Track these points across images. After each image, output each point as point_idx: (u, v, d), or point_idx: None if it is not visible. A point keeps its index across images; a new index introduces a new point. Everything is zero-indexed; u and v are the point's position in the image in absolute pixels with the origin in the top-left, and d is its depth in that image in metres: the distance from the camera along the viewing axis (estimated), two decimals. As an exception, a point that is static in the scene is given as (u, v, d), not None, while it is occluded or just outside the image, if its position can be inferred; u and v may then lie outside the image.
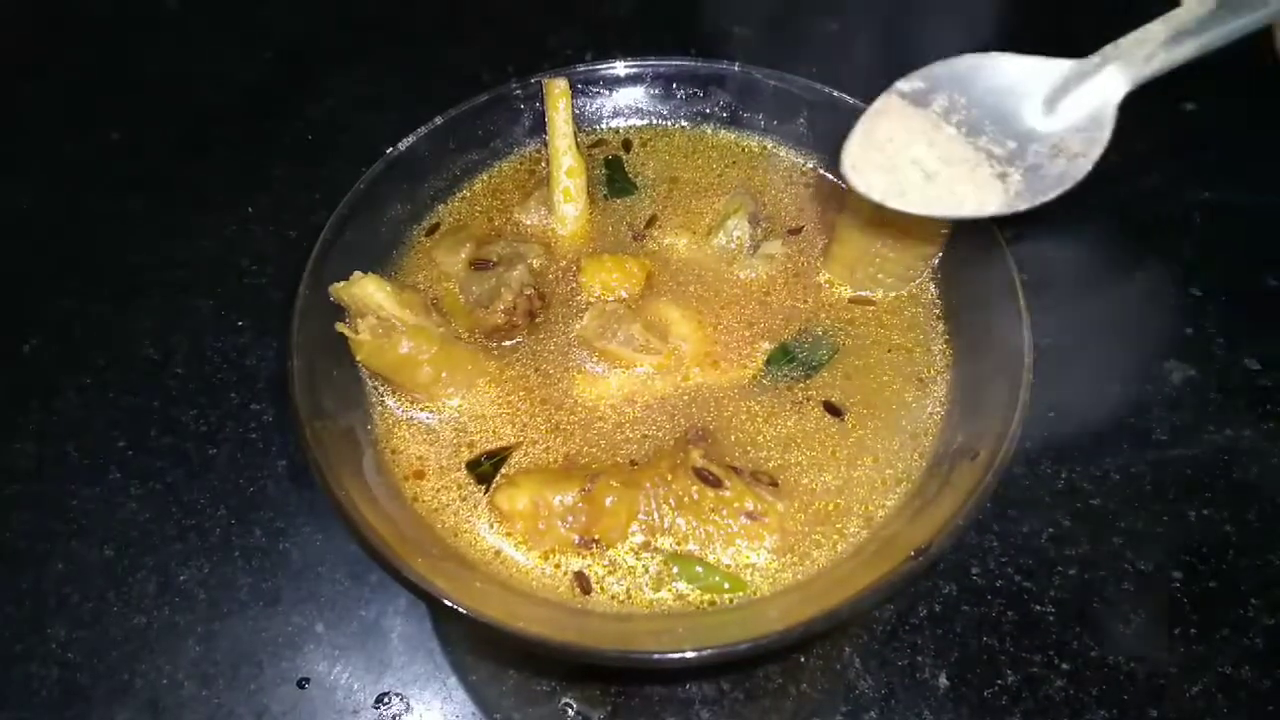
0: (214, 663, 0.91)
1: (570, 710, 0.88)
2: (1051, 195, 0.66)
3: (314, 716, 0.89)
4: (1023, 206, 0.67)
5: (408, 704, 0.89)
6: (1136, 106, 0.98)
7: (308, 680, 0.90)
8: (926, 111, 0.68)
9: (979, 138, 0.67)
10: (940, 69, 0.68)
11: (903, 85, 0.70)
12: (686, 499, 0.77)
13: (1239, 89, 1.24)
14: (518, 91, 0.99)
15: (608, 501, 0.76)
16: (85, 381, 1.10)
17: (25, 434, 1.06)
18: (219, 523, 0.99)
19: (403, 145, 0.94)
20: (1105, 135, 0.64)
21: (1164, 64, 0.61)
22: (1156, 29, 0.60)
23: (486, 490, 0.81)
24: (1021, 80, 0.65)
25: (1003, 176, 0.67)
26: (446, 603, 0.68)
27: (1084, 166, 0.64)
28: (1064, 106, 0.64)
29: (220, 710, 0.89)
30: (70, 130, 1.38)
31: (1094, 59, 0.62)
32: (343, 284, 0.83)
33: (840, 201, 0.89)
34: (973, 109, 0.67)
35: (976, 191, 0.67)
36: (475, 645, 0.92)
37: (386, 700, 0.89)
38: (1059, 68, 0.64)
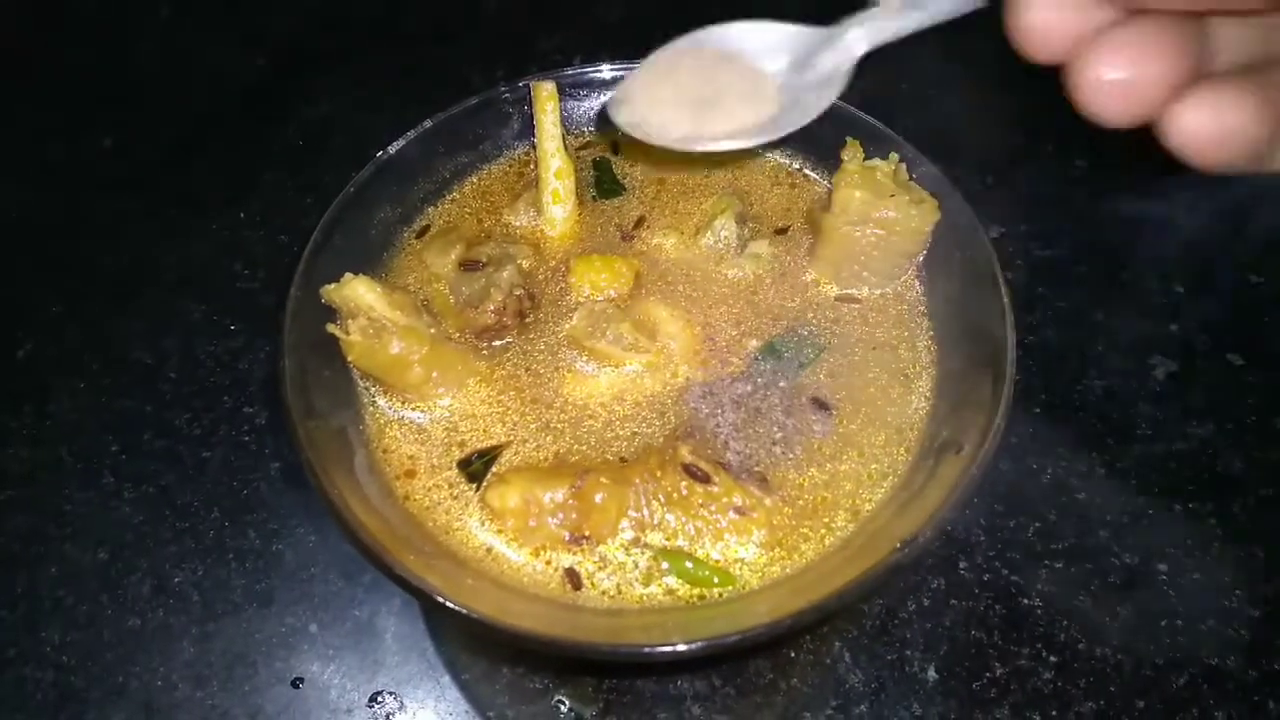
0: (208, 664, 0.92)
1: (563, 707, 0.88)
2: (790, 130, 0.75)
3: (308, 716, 0.89)
4: (770, 136, 0.76)
5: (401, 703, 0.89)
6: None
7: (302, 680, 0.91)
8: (702, 51, 0.78)
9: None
10: (714, 31, 0.77)
11: (680, 42, 0.80)
12: (675, 495, 0.77)
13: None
14: (506, 95, 1.00)
15: (598, 498, 0.77)
16: (79, 386, 1.11)
17: (19, 438, 1.07)
18: (212, 525, 1.00)
19: (392, 149, 0.94)
20: (841, 86, 0.74)
21: (897, 31, 0.69)
22: (892, 1, 0.68)
23: (477, 488, 0.81)
24: (780, 41, 0.75)
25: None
26: (439, 599, 0.68)
27: (821, 108, 0.75)
28: (816, 63, 0.73)
29: (214, 711, 0.90)
30: (62, 135, 1.39)
31: (839, 26, 0.71)
32: (334, 286, 0.83)
33: (826, 201, 0.90)
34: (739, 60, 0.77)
35: (743, 115, 0.76)
36: (468, 644, 0.93)
37: (380, 699, 0.90)
38: (813, 32, 0.73)
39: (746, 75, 0.75)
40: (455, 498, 0.81)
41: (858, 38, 0.69)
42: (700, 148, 0.77)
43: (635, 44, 1.05)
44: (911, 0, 0.66)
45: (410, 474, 0.83)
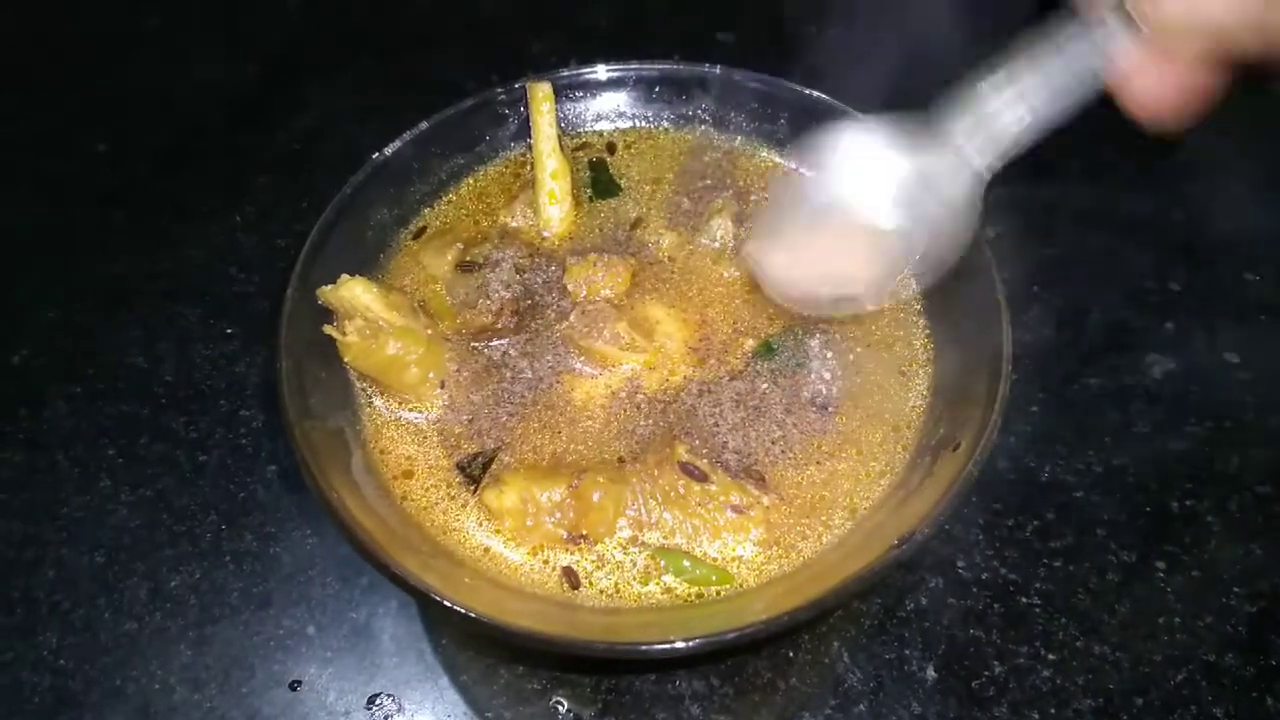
0: (205, 667, 0.92)
1: (561, 708, 0.88)
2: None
3: (306, 719, 0.89)
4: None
5: (399, 705, 0.89)
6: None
7: (299, 683, 0.90)
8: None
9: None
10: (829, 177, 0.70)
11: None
12: (673, 493, 0.77)
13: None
14: (502, 96, 1.00)
15: (595, 497, 0.77)
16: (74, 391, 1.10)
17: (15, 443, 1.06)
18: (210, 528, 1.00)
19: (388, 150, 0.95)
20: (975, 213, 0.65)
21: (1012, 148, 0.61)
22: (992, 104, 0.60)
23: (475, 489, 0.81)
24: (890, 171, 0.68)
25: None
26: (437, 598, 0.68)
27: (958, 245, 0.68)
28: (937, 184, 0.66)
29: (212, 714, 0.89)
30: (55, 142, 1.38)
31: (949, 150, 0.62)
32: (330, 287, 0.83)
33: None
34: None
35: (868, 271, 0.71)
36: (466, 645, 0.93)
37: (378, 701, 0.89)
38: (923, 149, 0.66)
39: (866, 234, 0.68)
40: (453, 498, 0.81)
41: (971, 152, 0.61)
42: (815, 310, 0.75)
43: (629, 48, 1.06)
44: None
45: (408, 474, 0.83)
